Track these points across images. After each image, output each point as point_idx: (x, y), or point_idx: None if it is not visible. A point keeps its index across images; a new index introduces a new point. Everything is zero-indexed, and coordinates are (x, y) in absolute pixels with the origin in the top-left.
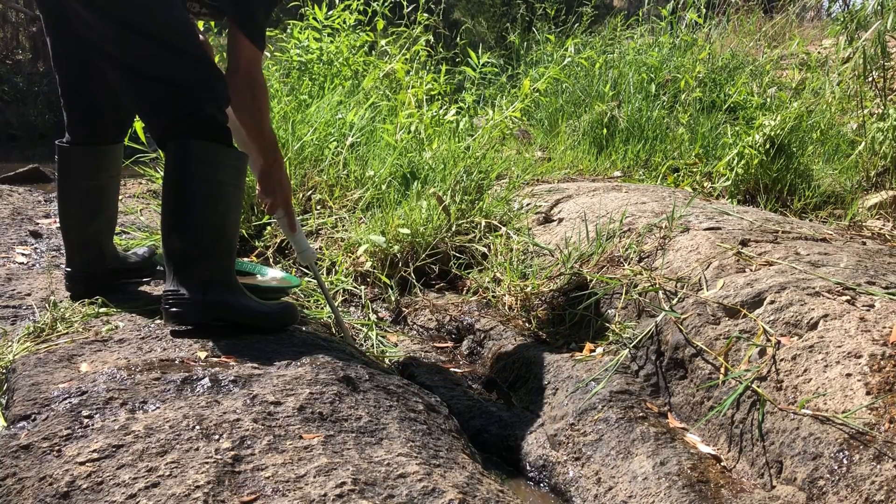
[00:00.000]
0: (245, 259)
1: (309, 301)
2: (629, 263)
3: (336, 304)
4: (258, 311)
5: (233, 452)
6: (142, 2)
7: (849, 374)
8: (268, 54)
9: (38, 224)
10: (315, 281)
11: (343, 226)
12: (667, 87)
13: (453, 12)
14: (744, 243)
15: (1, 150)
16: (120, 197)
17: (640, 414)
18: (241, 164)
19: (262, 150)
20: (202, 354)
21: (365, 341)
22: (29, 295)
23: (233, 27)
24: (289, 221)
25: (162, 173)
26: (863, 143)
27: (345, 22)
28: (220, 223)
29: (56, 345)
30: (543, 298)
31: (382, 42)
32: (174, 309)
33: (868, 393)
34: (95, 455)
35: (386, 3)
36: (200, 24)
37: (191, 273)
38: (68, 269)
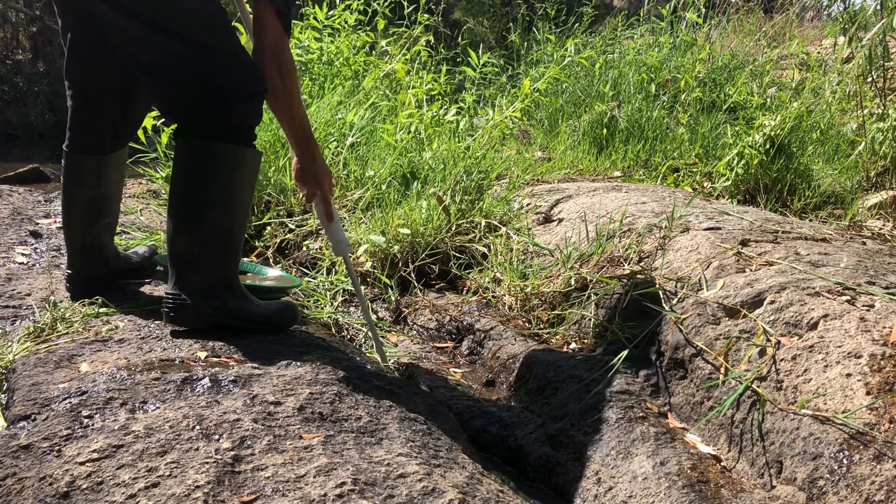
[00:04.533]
0: (245, 259)
1: (309, 301)
2: (629, 263)
3: (337, 303)
4: (258, 314)
5: (233, 452)
6: None
7: (849, 374)
8: None
9: (38, 224)
10: (351, 282)
11: (343, 226)
12: (667, 87)
13: (454, 12)
14: (744, 243)
15: (1, 150)
16: (122, 196)
17: (640, 414)
18: (257, 164)
19: (294, 135)
20: (202, 354)
21: (365, 341)
22: (29, 295)
23: (259, 5)
24: (325, 210)
25: (161, 173)
26: (863, 143)
27: (345, 22)
28: (229, 228)
29: (56, 345)
30: (543, 298)
31: (383, 42)
32: (174, 313)
33: (868, 393)
34: (95, 455)
35: (387, 3)
36: None
37: (194, 277)
38: (69, 272)
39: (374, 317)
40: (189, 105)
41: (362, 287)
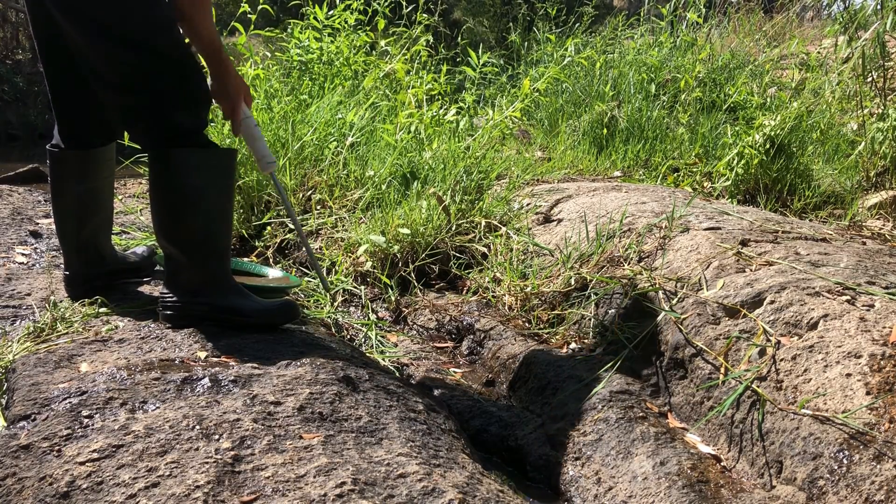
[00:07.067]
0: (245, 259)
1: (309, 301)
2: (629, 263)
3: (337, 303)
4: (253, 309)
5: (233, 452)
6: (120, 2)
7: (849, 374)
8: (268, 54)
9: (38, 224)
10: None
11: (343, 226)
12: (667, 87)
13: (454, 12)
14: (744, 243)
15: (1, 150)
16: (120, 197)
17: (640, 414)
18: (224, 162)
19: (205, 53)
20: (202, 354)
21: (365, 341)
22: (29, 295)
23: None
24: (233, 127)
25: None
26: (863, 143)
27: (345, 22)
28: (204, 227)
29: (56, 345)
30: (543, 298)
31: (383, 42)
32: (166, 311)
33: (868, 393)
34: (95, 455)
35: (387, 3)
36: None
37: (180, 277)
38: (67, 273)
39: (373, 316)
40: (136, 116)
41: (362, 287)
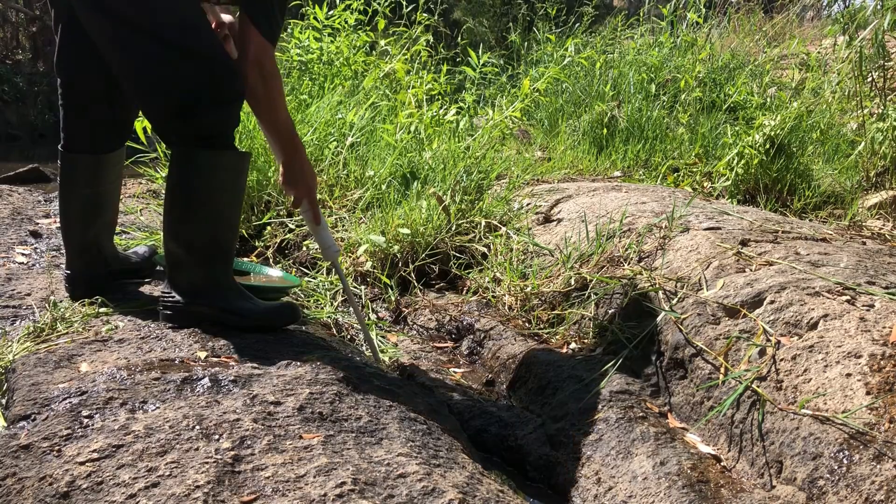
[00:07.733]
0: (245, 259)
1: (309, 301)
2: (629, 263)
3: (337, 303)
4: (253, 311)
5: (233, 452)
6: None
7: (849, 374)
8: None
9: (38, 224)
10: (340, 282)
11: (343, 226)
12: (667, 87)
13: (454, 12)
14: (744, 243)
15: (1, 150)
16: (120, 197)
17: (640, 414)
18: (239, 164)
19: (278, 140)
20: (202, 354)
21: (365, 341)
22: (29, 295)
23: (244, 16)
24: (312, 215)
25: (161, 173)
26: (863, 143)
27: (345, 22)
28: (213, 232)
29: (56, 345)
30: (543, 298)
31: (383, 42)
32: (167, 311)
33: (868, 393)
34: (95, 455)
35: (387, 3)
36: None
37: (182, 277)
38: (68, 272)
39: (373, 316)
40: (160, 112)
41: (362, 287)
